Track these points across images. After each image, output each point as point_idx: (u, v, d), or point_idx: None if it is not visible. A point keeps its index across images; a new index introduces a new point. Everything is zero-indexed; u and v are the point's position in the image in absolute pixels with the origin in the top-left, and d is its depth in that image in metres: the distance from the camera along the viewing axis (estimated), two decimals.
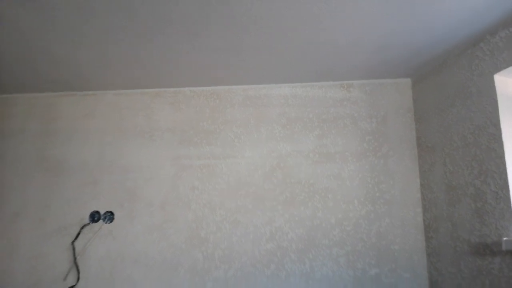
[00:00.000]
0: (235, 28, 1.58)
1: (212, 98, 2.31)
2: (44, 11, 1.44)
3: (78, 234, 2.15)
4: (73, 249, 2.14)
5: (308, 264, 2.02)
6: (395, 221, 2.04)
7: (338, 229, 2.05)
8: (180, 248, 2.10)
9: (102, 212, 2.19)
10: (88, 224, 2.17)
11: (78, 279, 2.09)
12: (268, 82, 2.27)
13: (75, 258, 2.12)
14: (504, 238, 1.43)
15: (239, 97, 2.30)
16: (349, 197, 2.09)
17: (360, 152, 2.16)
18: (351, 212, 2.07)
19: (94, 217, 2.18)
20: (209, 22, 1.53)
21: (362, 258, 2.01)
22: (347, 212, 2.07)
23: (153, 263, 2.09)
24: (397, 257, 1.99)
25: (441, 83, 1.92)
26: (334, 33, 1.62)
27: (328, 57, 1.89)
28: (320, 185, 2.13)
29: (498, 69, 1.49)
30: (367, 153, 2.15)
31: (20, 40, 1.67)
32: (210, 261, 2.07)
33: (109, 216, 2.18)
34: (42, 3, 1.39)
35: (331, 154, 2.17)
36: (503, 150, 1.46)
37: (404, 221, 2.03)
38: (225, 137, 2.24)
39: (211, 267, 2.06)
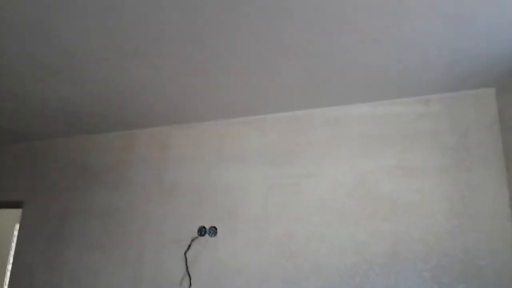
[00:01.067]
0: (312, 55, 2.18)
1: (294, 122, 2.94)
2: (152, 64, 2.30)
3: (189, 246, 2.97)
4: (186, 259, 2.96)
5: (392, 278, 2.43)
6: (482, 236, 2.31)
7: (422, 244, 2.41)
8: (273, 260, 2.73)
9: (207, 227, 2.97)
10: (197, 237, 2.98)
11: (190, 284, 2.89)
12: (347, 103, 2.80)
13: (187, 267, 2.93)
14: None
15: (319, 119, 2.87)
16: (432, 211, 2.44)
17: (442, 166, 2.49)
18: (435, 227, 2.41)
19: (201, 231, 2.98)
20: (289, 54, 2.18)
21: (447, 273, 2.33)
22: (431, 226, 2.42)
23: (252, 273, 2.76)
24: (485, 273, 2.26)
25: None
26: (408, 50, 2.03)
27: (406, 73, 2.30)
28: (402, 200, 2.53)
29: None
30: (449, 167, 2.47)
31: (140, 87, 2.59)
32: (300, 272, 2.64)
33: (213, 230, 2.95)
34: (150, 59, 2.25)
35: (413, 169, 2.56)
36: None
37: (492, 236, 2.29)
38: (309, 157, 2.83)
39: (301, 278, 2.63)
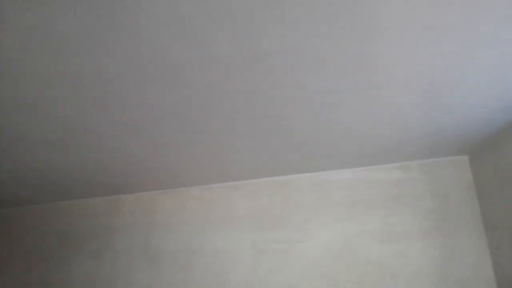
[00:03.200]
0: (297, 129, 2.29)
1: (281, 186, 3.00)
2: (140, 135, 2.35)
3: None
4: None
5: None
6: None
7: None
8: None
9: None
10: None
11: None
12: (331, 169, 2.90)
13: None
14: None
15: (306, 184, 2.95)
16: (419, 276, 2.50)
17: (425, 230, 2.59)
18: None
19: None
20: (275, 128, 2.28)
21: None
22: None
23: None
24: None
25: (499, 158, 2.33)
26: (386, 120, 2.18)
27: (385, 141, 2.45)
28: (389, 264, 2.57)
29: None
30: (432, 231, 2.57)
31: (127, 156, 2.61)
32: None
33: None
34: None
35: (397, 233, 2.64)
36: None
37: None
38: (296, 222, 2.86)
39: None
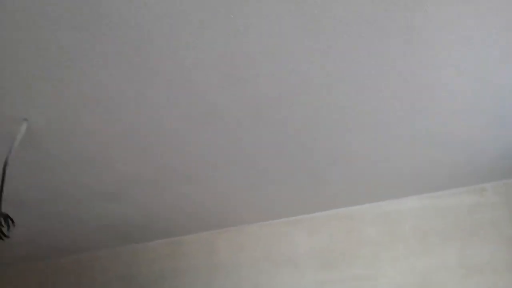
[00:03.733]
0: (360, 158, 2.18)
1: (346, 219, 2.86)
2: (204, 184, 2.32)
3: None
4: None
5: None
6: None
7: None
8: None
9: None
10: None
11: None
12: (397, 197, 2.73)
13: None
14: None
15: (370, 216, 2.79)
16: None
17: (511, 261, 2.34)
18: None
19: None
20: (337, 160, 2.18)
21: None
22: None
23: None
24: None
25: None
26: (459, 143, 2.03)
27: (457, 163, 2.27)
28: None
29: None
30: None
31: (184, 201, 2.60)
32: None
33: None
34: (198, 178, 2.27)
35: (478, 267, 2.40)
36: None
37: None
38: (363, 257, 2.70)
39: None
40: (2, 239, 1.38)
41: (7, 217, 1.42)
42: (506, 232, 2.41)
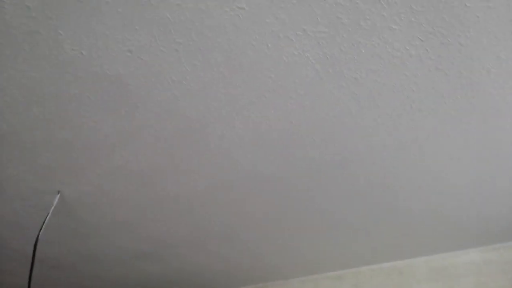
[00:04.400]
0: (414, 211, 1.98)
1: (393, 274, 2.62)
2: (243, 242, 2.18)
3: None
4: None
5: None
6: None
7: None
8: None
9: None
10: None
11: None
12: (453, 249, 2.48)
13: None
14: None
15: (423, 270, 2.54)
16: None
17: None
18: None
19: None
20: (388, 213, 1.99)
21: None
22: None
23: None
24: None
25: None
26: None
27: None
28: None
29: None
30: None
31: (221, 259, 2.45)
32: None
33: None
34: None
35: None
36: None
37: None
38: None
39: None
40: None
41: None
42: None
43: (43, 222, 1.58)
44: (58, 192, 1.59)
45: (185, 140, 1.35)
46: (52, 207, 1.60)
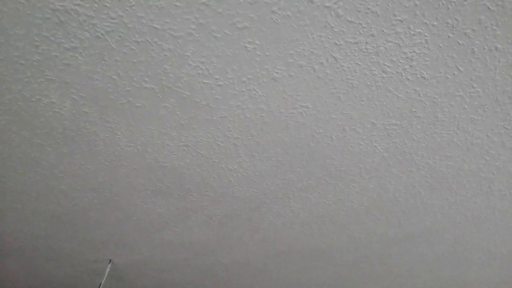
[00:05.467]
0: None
1: None
2: None
3: None
4: None
5: None
6: None
7: None
8: None
9: None
10: None
11: None
12: None
13: None
14: None
15: None
16: None
17: None
18: None
19: None
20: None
21: None
22: None
23: None
24: None
25: None
26: None
27: None
28: None
29: None
30: None
31: None
32: None
33: None
34: None
35: None
36: None
37: None
38: None
39: None
40: None
41: None
42: None
43: (99, 287, 1.57)
44: (110, 261, 1.58)
45: (238, 218, 1.30)
46: (105, 275, 1.59)
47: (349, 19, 0.70)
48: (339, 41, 0.74)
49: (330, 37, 0.73)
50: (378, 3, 0.67)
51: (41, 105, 0.88)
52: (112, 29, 0.72)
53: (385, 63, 0.78)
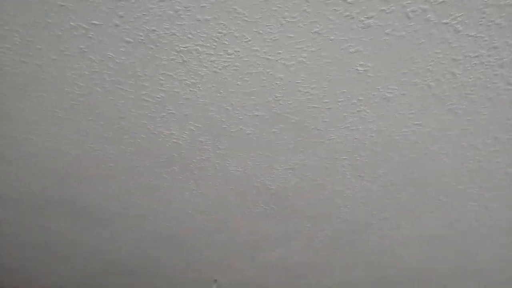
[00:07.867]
0: None
1: None
2: None
3: None
4: None
5: None
6: None
7: None
8: None
9: None
10: None
11: None
12: None
13: None
14: None
15: None
16: None
17: None
18: None
19: None
20: None
21: None
22: None
23: None
24: None
25: None
26: None
27: None
28: None
29: None
30: None
31: None
32: None
33: None
34: None
35: None
36: None
37: None
38: None
39: None
40: None
41: None
42: None
43: None
44: (215, 281, 1.65)
45: (342, 239, 1.29)
46: None
47: (470, 33, 0.68)
48: (457, 56, 0.71)
49: (448, 53, 0.71)
50: (502, 14, 0.64)
51: (161, 136, 0.97)
52: (229, 63, 0.78)
53: (510, 75, 0.73)
